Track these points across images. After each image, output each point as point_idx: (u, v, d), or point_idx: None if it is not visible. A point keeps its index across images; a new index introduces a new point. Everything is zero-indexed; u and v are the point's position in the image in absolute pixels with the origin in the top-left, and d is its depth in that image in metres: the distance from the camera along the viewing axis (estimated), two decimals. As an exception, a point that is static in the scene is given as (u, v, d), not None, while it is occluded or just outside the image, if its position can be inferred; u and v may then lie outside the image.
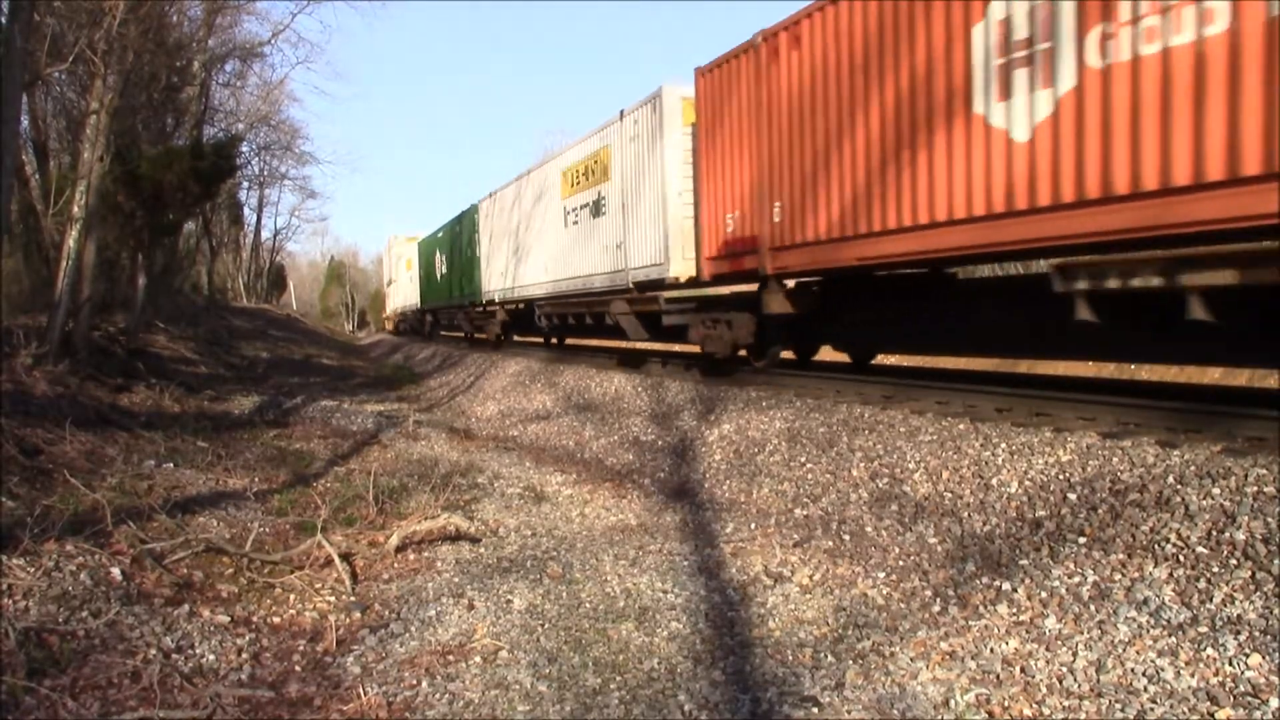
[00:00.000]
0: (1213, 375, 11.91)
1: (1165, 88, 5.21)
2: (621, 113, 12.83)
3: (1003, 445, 6.08)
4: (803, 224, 8.66)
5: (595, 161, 13.91)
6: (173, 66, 18.23)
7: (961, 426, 6.66)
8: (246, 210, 47.88)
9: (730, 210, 9.96)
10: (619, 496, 8.04)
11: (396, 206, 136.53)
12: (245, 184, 40.14)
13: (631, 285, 12.62)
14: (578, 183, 14.89)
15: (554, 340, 20.11)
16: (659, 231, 11.58)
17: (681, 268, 11.26)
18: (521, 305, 18.78)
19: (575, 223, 15.05)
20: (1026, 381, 8.74)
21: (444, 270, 26.88)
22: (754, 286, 9.80)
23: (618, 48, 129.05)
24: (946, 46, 6.72)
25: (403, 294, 37.00)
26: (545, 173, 16.89)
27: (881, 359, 13.11)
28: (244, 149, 31.30)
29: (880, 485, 6.45)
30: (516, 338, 21.29)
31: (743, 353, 10.84)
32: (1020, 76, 6.15)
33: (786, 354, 10.96)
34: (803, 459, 7.46)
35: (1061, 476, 5.41)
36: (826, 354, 11.44)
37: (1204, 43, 4.97)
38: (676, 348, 12.95)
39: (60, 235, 12.84)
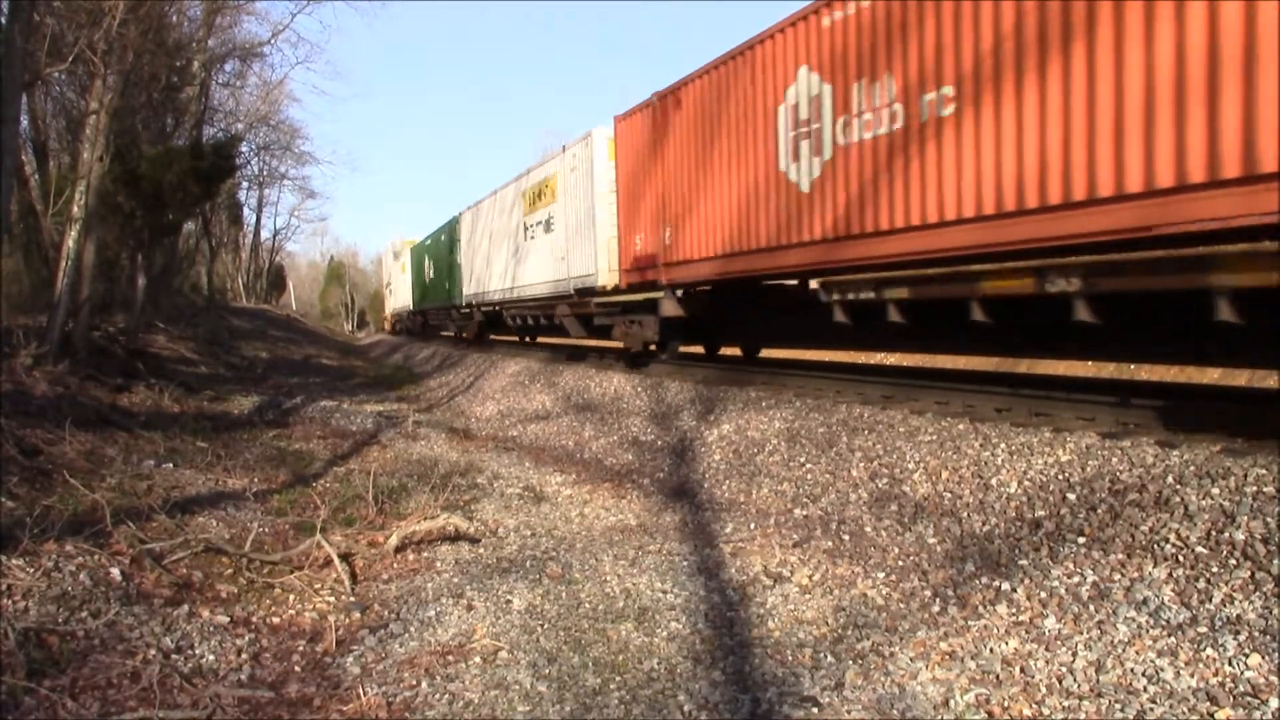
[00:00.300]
0: (1211, 375, 11.92)
1: (875, 162, 7.54)
2: (564, 147, 15.46)
3: (1002, 445, 6.08)
4: (683, 245, 11.06)
5: (546, 186, 16.38)
6: (173, 66, 18.22)
7: (961, 426, 6.66)
8: (246, 210, 47.95)
9: (639, 232, 12.33)
10: (618, 497, 8.04)
11: (397, 206, 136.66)
12: (245, 184, 40.21)
13: (573, 291, 15.03)
14: (534, 203, 17.39)
15: (527, 339, 22.26)
16: (591, 248, 13.94)
17: (608, 278, 13.55)
18: (495, 307, 21.10)
19: (532, 237, 17.58)
20: (1026, 381, 8.74)
21: (432, 275, 29.60)
22: (658, 294, 11.95)
23: (619, 47, 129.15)
24: (764, 119, 9.13)
25: (398, 296, 39.37)
26: (509, 192, 19.42)
27: (882, 359, 14.04)
28: (244, 149, 31.33)
29: (880, 485, 6.45)
30: (494, 336, 23.89)
31: (653, 347, 13.22)
32: (804, 145, 8.52)
33: (696, 349, 13.63)
34: (802, 459, 7.46)
35: (1061, 477, 5.42)
36: (790, 353, 13.30)
37: (893, 134, 7.33)
38: (608, 344, 15.28)
39: (60, 235, 12.84)
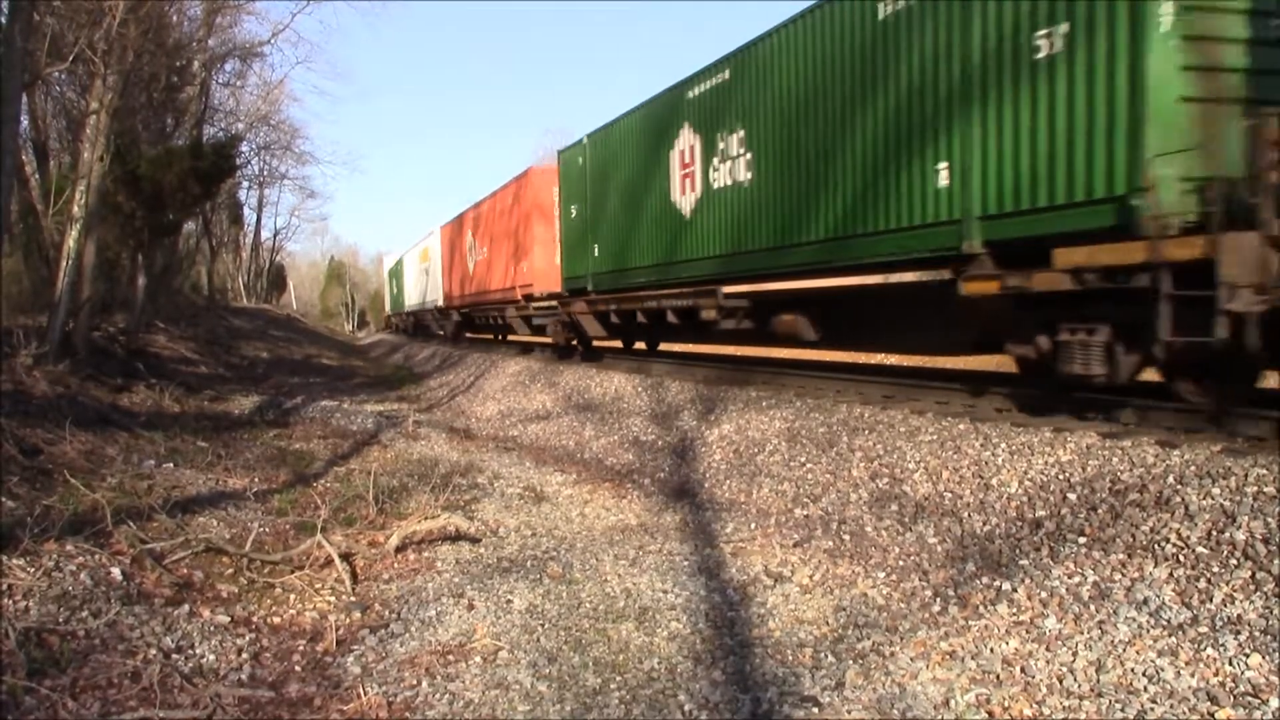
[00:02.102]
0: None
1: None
2: (431, 231, 23.51)
3: (1003, 445, 6.07)
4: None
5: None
6: (173, 66, 18.22)
7: (961, 426, 6.66)
8: (246, 210, 47.85)
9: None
10: (619, 496, 8.05)
11: (397, 206, 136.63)
12: (245, 184, 40.10)
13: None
14: (423, 258, 25.98)
15: (497, 336, 26.26)
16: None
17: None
18: (465, 308, 25.46)
19: (425, 273, 26.54)
20: (1026, 381, 8.73)
21: (396, 289, 40.54)
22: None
23: (620, 46, 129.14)
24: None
25: (392, 299, 46.91)
26: (417, 249, 29.25)
27: (882, 359, 14.59)
28: (244, 149, 31.24)
29: (880, 485, 6.45)
30: (469, 335, 28.02)
31: (575, 343, 16.38)
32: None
33: (615, 344, 16.53)
34: (803, 459, 7.46)
35: (1061, 476, 5.41)
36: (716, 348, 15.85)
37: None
38: (545, 340, 18.41)
39: (60, 235, 12.84)
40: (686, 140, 11.05)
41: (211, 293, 32.69)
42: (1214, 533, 4.30)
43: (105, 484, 6.80)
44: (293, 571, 5.56)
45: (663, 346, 16.65)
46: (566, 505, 7.86)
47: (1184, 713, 3.40)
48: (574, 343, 16.17)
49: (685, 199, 11.15)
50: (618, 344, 16.52)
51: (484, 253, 21.62)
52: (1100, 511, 4.90)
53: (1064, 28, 5.69)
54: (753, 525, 6.65)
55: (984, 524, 5.40)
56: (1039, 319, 6.29)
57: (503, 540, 6.70)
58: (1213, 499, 4.52)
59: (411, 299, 35.88)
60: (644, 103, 12.31)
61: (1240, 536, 4.19)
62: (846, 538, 5.96)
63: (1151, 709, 3.47)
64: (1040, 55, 5.86)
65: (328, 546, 5.73)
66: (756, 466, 7.79)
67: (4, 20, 7.98)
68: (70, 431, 7.75)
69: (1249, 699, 3.38)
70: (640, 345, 16.72)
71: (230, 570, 5.54)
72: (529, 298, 17.46)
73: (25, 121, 15.59)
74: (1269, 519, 4.21)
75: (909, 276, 7.21)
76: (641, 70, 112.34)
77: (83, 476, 6.63)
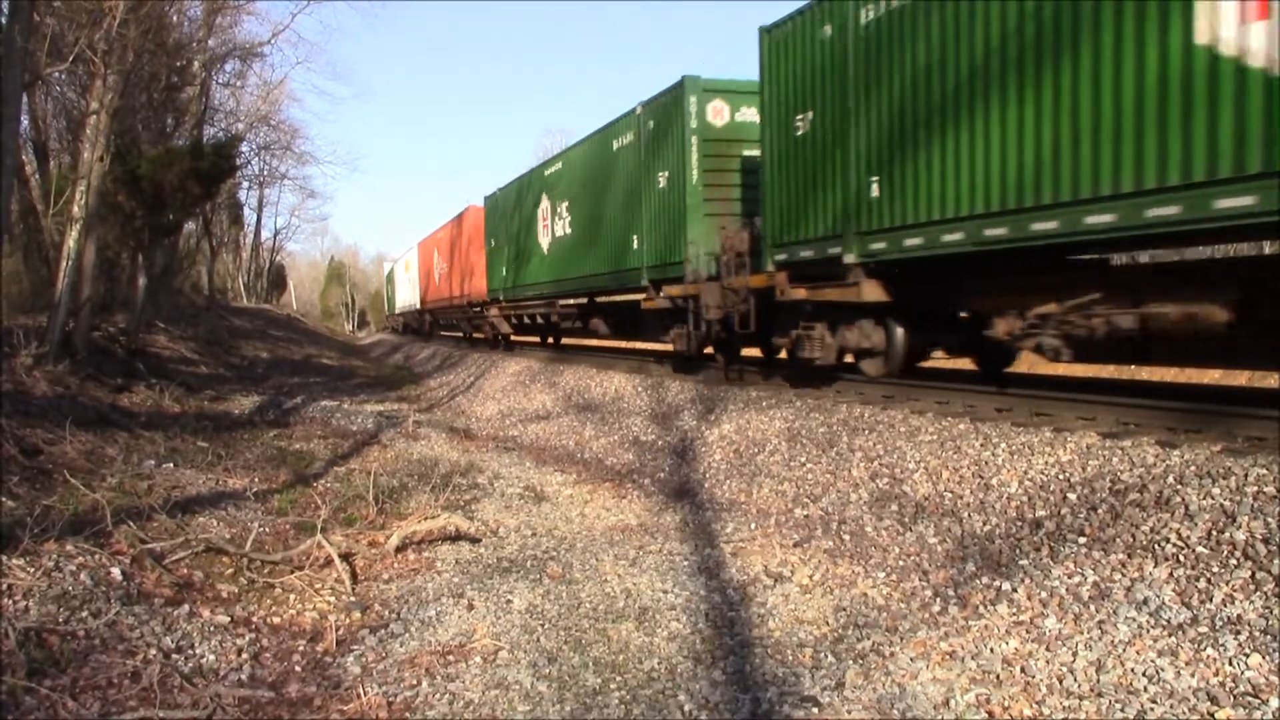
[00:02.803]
0: (1213, 375, 11.92)
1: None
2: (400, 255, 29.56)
3: (1003, 445, 6.07)
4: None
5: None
6: (173, 66, 18.22)
7: (961, 426, 6.66)
8: (246, 210, 47.84)
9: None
10: (619, 496, 8.05)
11: (397, 206, 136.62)
12: (245, 184, 40.09)
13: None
14: (407, 268, 33.42)
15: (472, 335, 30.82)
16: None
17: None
18: (434, 310, 31.54)
19: (408, 282, 33.87)
20: (1026, 381, 8.74)
21: (399, 287, 43.26)
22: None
23: (621, 46, 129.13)
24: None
25: (388, 301, 51.30)
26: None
27: None
28: (244, 149, 31.21)
29: (880, 485, 6.45)
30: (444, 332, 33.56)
31: (498, 337, 22.24)
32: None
33: (533, 339, 21.46)
34: (803, 459, 7.46)
35: (1061, 476, 5.41)
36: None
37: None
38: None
39: (60, 235, 12.84)
40: (544, 202, 16.79)
41: (211, 293, 32.68)
42: (1214, 533, 4.30)
43: (105, 484, 6.80)
44: (293, 571, 5.56)
45: (564, 341, 20.78)
46: (566, 505, 7.86)
47: (1184, 713, 3.40)
48: (497, 337, 22.30)
49: (544, 241, 16.84)
50: (535, 340, 21.54)
51: (444, 267, 28.21)
52: (1100, 511, 4.90)
53: (666, 174, 11.56)
54: (753, 525, 6.65)
55: (984, 524, 5.40)
56: (677, 320, 11.72)
57: (503, 540, 6.70)
58: (1213, 499, 4.52)
59: (399, 303, 42.83)
60: (524, 173, 18.57)
61: (1240, 536, 4.19)
62: (846, 538, 5.96)
63: (1151, 709, 3.47)
64: (660, 185, 11.71)
65: (328, 546, 5.73)
66: (756, 466, 7.79)
67: (4, 20, 7.98)
68: (70, 431, 7.75)
69: (1249, 699, 3.38)
70: (551, 340, 21.06)
71: (230, 570, 5.54)
72: (470, 304, 24.00)
73: (25, 121, 15.60)
74: (1269, 519, 4.21)
75: (631, 297, 13.84)
76: (642, 70, 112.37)
77: (83, 476, 6.63)
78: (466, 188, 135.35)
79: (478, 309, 22.92)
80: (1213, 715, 3.36)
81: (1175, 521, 4.50)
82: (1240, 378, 12.26)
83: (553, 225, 16.25)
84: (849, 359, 8.75)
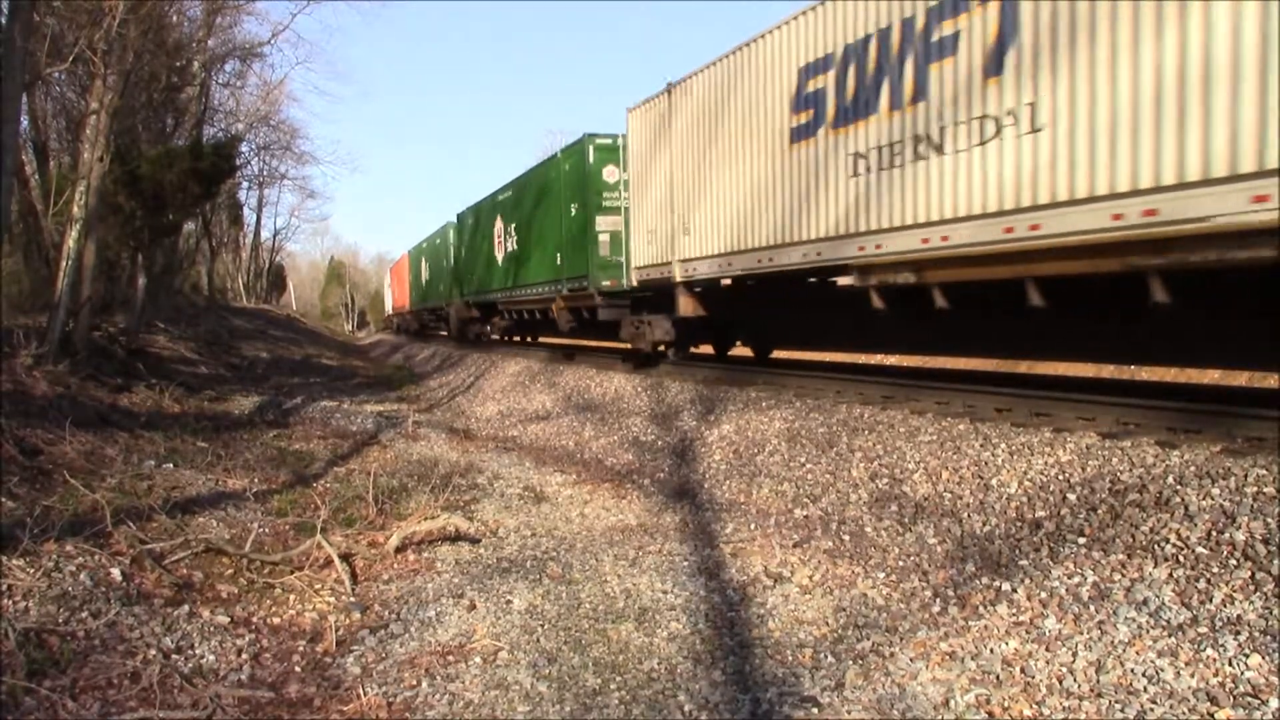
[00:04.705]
0: (1212, 376, 11.92)
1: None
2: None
3: (1002, 445, 6.07)
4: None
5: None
6: (173, 66, 18.22)
7: (961, 426, 6.66)
8: (246, 210, 47.83)
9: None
10: (619, 497, 8.04)
11: (397, 206, 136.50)
12: (245, 184, 40.09)
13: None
14: (434, 250, 32.02)
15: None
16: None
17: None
18: (415, 311, 36.82)
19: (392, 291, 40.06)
20: (1026, 381, 8.74)
21: (390, 291, 47.84)
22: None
23: (621, 46, 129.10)
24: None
25: (386, 302, 55.72)
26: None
27: (881, 359, 15.12)
28: (244, 149, 31.25)
29: (880, 485, 6.45)
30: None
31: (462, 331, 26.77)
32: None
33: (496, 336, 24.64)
34: (802, 459, 7.46)
35: (1061, 477, 5.41)
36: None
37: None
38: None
39: (60, 235, 12.84)
40: (500, 222, 20.30)
41: (211, 293, 32.70)
42: (1214, 533, 4.30)
43: (105, 484, 6.80)
44: (292, 572, 5.56)
45: (533, 337, 24.26)
46: (566, 505, 7.86)
47: (1184, 713, 3.40)
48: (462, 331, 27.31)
49: (499, 254, 20.44)
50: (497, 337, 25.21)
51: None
52: (1100, 512, 4.90)
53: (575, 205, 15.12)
54: (752, 526, 6.65)
55: (984, 524, 5.40)
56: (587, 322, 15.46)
57: (502, 540, 6.70)
58: (1212, 499, 4.52)
59: (390, 306, 49.07)
60: (486, 196, 22.26)
61: (1240, 537, 4.19)
62: (846, 538, 5.96)
63: (1151, 709, 3.47)
64: (573, 214, 15.12)
65: (327, 547, 5.73)
66: (756, 467, 7.79)
67: (4, 20, 7.98)
68: (70, 432, 7.75)
69: (1249, 699, 3.38)
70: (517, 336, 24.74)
71: (230, 571, 5.54)
72: (446, 303, 28.84)
73: (25, 121, 15.59)
74: (1269, 519, 4.21)
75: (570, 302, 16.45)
76: (641, 70, 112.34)
77: (82, 477, 6.63)
78: (467, 187, 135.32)
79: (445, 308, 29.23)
80: (1213, 716, 3.36)
81: (1175, 522, 4.50)
82: (1240, 378, 12.26)
83: (504, 242, 20.53)
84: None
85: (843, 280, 9.41)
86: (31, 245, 15.67)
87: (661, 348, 13.60)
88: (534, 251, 17.33)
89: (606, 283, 14.08)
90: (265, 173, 41.14)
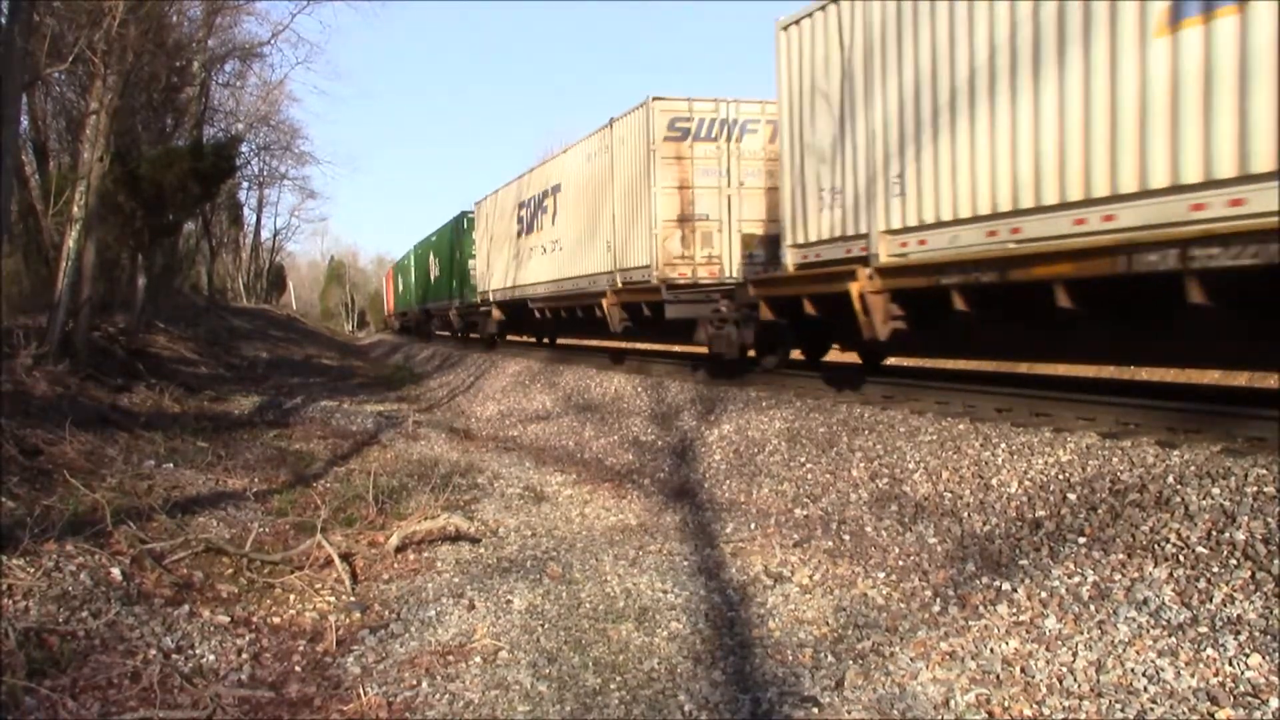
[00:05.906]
0: (1212, 376, 11.92)
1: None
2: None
3: (1003, 445, 6.07)
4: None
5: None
6: (173, 67, 18.22)
7: (961, 426, 6.66)
8: (246, 210, 47.85)
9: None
10: (619, 497, 8.04)
11: (397, 206, 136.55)
12: (245, 184, 40.12)
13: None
14: (432, 251, 32.56)
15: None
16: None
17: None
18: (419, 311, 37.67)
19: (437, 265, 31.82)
20: (1026, 381, 8.74)
21: (399, 290, 47.07)
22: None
23: (620, 46, 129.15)
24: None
25: (385, 303, 57.13)
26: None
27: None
28: (244, 149, 31.26)
29: (880, 485, 6.45)
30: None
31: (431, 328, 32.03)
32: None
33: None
34: (803, 459, 7.46)
35: (1061, 477, 5.41)
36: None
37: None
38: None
39: (60, 235, 12.84)
40: (472, 242, 23.86)
41: (211, 293, 32.70)
42: (1214, 533, 4.30)
43: (105, 484, 6.80)
44: (293, 572, 5.56)
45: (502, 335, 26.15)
46: (566, 505, 7.86)
47: (1184, 713, 3.40)
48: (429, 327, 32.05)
49: (472, 268, 23.83)
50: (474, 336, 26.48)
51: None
52: (1100, 511, 4.90)
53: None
54: (753, 525, 6.65)
55: (984, 524, 5.40)
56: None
57: (503, 540, 6.70)
58: (1213, 499, 4.52)
59: (387, 307, 51.74)
60: (451, 219, 26.20)
61: (1240, 536, 4.19)
62: (846, 538, 5.96)
63: (1151, 709, 3.47)
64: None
65: (328, 547, 5.73)
66: (756, 467, 7.79)
67: (4, 20, 7.98)
68: (70, 432, 7.75)
69: (1249, 699, 3.38)
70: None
71: (230, 570, 5.54)
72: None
73: (25, 121, 15.59)
74: (1269, 519, 4.21)
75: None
76: (641, 69, 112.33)
77: (82, 477, 6.63)
78: (467, 187, 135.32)
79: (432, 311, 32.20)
80: (1213, 715, 3.36)
81: (1175, 521, 4.50)
82: (1240, 378, 12.26)
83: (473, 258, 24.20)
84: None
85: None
86: (31, 245, 15.67)
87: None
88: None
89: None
90: (265, 173, 41.19)
